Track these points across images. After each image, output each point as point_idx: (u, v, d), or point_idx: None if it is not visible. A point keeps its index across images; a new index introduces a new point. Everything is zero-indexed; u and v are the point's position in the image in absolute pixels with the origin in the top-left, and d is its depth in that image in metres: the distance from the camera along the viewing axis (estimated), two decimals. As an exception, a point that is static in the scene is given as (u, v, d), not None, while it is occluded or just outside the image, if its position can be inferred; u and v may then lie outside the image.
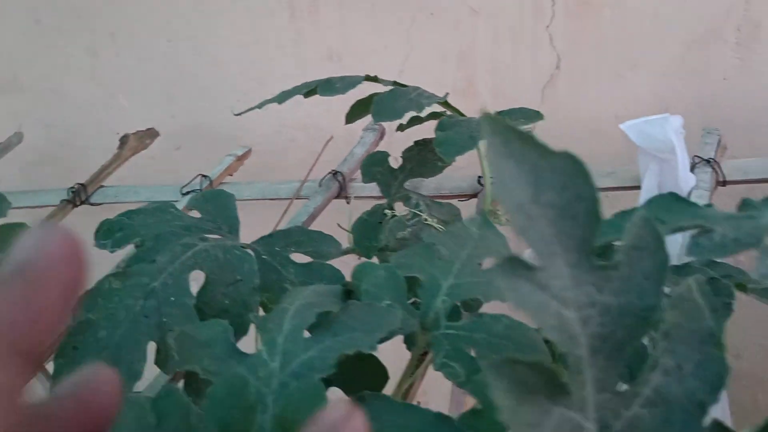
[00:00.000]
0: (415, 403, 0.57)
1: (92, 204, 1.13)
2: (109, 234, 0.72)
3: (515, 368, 0.30)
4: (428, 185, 0.95)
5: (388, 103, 0.72)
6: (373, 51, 1.25)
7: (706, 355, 0.36)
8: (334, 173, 1.03)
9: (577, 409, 0.34)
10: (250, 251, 0.68)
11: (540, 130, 1.27)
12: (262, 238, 0.72)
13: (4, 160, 1.22)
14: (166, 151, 1.39)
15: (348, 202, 1.01)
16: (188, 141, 1.45)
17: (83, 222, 0.80)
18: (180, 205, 0.94)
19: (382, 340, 0.56)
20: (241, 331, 0.53)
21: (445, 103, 0.78)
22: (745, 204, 0.43)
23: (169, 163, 1.39)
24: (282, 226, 0.94)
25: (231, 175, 1.17)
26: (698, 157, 0.89)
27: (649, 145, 0.84)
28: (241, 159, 1.20)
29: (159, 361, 0.57)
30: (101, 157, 1.21)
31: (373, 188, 0.93)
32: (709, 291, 0.38)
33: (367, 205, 0.83)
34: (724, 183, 0.86)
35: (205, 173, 1.11)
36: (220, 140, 1.41)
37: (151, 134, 1.26)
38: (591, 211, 0.34)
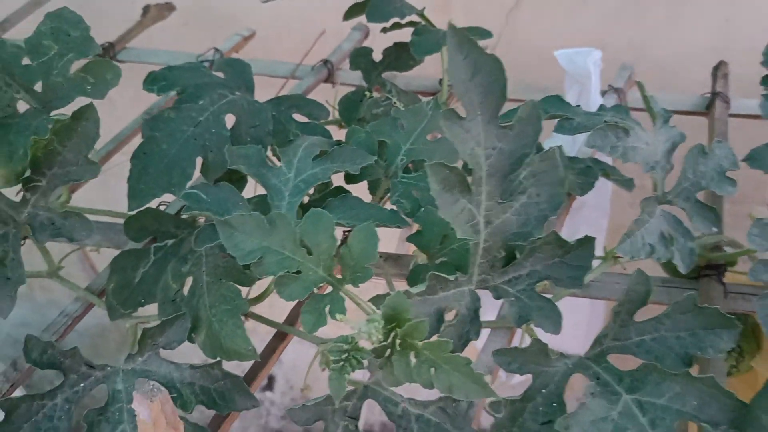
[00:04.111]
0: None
1: (118, 61, 1.33)
2: (155, 81, 0.94)
3: (442, 168, 0.55)
4: (400, 82, 1.18)
5: (380, 7, 0.95)
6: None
7: (556, 191, 0.62)
8: (325, 62, 1.26)
9: (475, 206, 0.60)
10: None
11: (499, 52, 1.50)
12: (270, 100, 0.96)
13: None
14: (175, 26, 1.59)
15: (333, 86, 1.24)
16: (194, 18, 1.65)
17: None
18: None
19: (360, 177, 0.81)
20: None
21: (422, 15, 1.01)
22: (600, 107, 0.69)
23: (177, 36, 1.59)
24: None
25: (237, 52, 1.38)
26: (611, 86, 1.14)
27: (573, 71, 1.08)
28: (246, 39, 1.41)
29: (204, 171, 0.81)
30: (121, 24, 1.40)
31: (354, 77, 1.16)
32: (565, 156, 0.63)
33: (349, 90, 1.06)
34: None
35: (216, 47, 1.32)
36: (221, 20, 1.61)
37: (169, 7, 1.46)
38: (502, 91, 0.59)
